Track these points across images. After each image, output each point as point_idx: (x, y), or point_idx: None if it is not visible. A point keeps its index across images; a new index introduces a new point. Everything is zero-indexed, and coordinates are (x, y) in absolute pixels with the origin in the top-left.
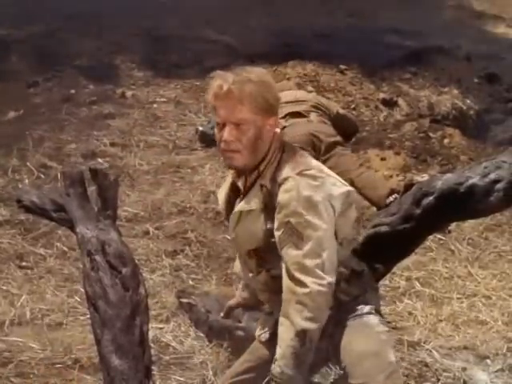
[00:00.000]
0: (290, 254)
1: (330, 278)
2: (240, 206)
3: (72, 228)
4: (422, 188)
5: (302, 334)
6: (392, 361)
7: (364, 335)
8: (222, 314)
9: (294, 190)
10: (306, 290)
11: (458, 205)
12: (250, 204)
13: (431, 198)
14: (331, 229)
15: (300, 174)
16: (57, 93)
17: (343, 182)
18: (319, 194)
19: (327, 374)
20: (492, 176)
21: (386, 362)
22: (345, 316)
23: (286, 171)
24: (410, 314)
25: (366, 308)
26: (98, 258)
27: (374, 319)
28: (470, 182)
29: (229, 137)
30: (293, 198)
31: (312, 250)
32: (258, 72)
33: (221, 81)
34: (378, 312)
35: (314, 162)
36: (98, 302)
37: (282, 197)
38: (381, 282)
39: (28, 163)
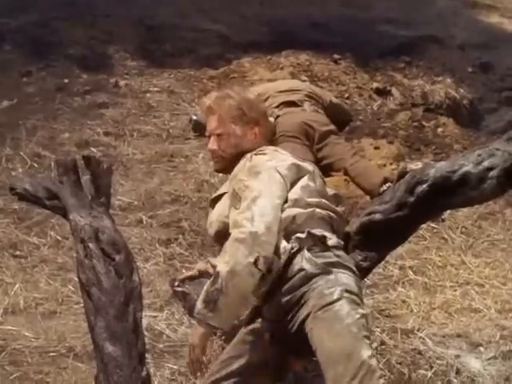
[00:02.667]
0: (230, 215)
1: (254, 229)
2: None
3: (65, 216)
4: (415, 176)
5: (216, 275)
6: (365, 359)
7: (335, 333)
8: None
9: (242, 164)
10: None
11: (451, 192)
12: (220, 190)
13: (425, 185)
14: (274, 191)
15: (254, 154)
16: (50, 82)
17: (299, 159)
18: (264, 164)
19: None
20: (485, 163)
21: (358, 363)
22: (307, 291)
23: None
24: (404, 302)
25: (336, 292)
26: (91, 245)
27: (344, 307)
28: (464, 169)
29: (212, 146)
30: (239, 169)
31: (244, 206)
32: (238, 89)
33: (206, 98)
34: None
35: (275, 149)
36: (92, 289)
37: (233, 172)
38: (374, 270)
39: (21, 152)
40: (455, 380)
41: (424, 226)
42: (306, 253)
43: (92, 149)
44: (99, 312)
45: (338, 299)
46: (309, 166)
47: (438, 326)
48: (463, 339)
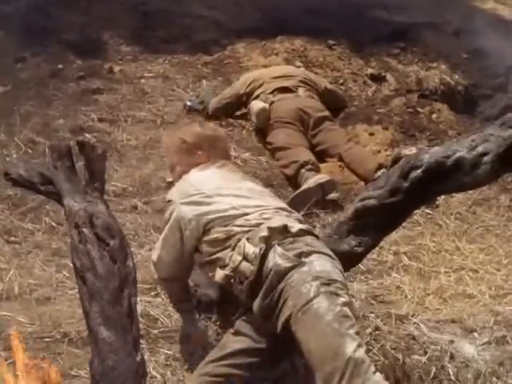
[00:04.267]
0: None
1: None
2: None
3: (59, 201)
4: (409, 161)
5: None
6: (350, 356)
7: (317, 334)
8: None
9: None
10: None
11: (445, 178)
12: None
13: (419, 171)
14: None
15: None
16: (44, 68)
17: None
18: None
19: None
20: (479, 149)
21: (344, 361)
22: (285, 288)
23: None
24: (398, 287)
25: (312, 289)
26: (85, 230)
27: (322, 304)
28: (458, 155)
29: (168, 177)
30: None
31: None
32: (174, 127)
33: None
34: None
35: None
36: (86, 274)
37: None
38: (369, 256)
39: (16, 138)
40: (449, 365)
41: (418, 211)
42: (277, 248)
43: (86, 135)
44: (94, 297)
45: (315, 296)
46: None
47: (432, 312)
48: (457, 325)
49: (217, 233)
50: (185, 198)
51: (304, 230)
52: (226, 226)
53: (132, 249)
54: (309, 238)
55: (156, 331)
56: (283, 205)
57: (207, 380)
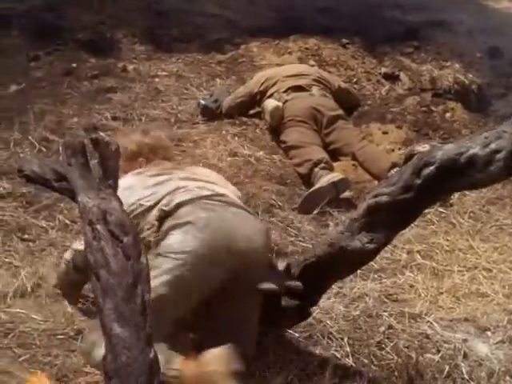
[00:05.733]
0: None
1: None
2: None
3: (73, 198)
4: (422, 158)
5: None
6: None
7: None
8: None
9: None
10: None
11: (458, 175)
12: None
13: (432, 168)
14: None
15: None
16: (58, 67)
17: None
18: None
19: None
20: (493, 146)
21: None
22: None
23: None
24: (412, 286)
25: None
26: (99, 227)
27: None
28: (471, 152)
29: None
30: None
31: None
32: (119, 133)
33: None
34: None
35: None
36: (100, 271)
37: None
38: (382, 255)
39: (30, 137)
40: (462, 364)
41: (432, 210)
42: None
43: (100, 133)
44: (107, 294)
45: None
46: None
47: (445, 311)
48: (471, 323)
49: None
50: None
51: None
52: None
53: None
54: None
55: None
56: None
57: None
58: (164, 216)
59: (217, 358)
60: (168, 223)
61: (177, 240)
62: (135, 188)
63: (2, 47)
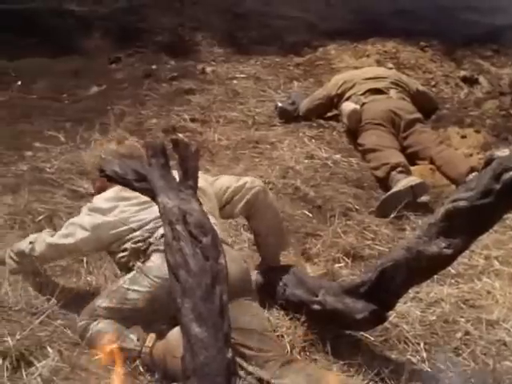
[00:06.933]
0: None
1: None
2: None
3: (153, 198)
4: (502, 163)
5: None
6: None
7: None
8: None
9: None
10: None
11: None
12: None
13: (511, 173)
14: None
15: None
16: (138, 68)
17: None
18: None
19: None
20: None
21: None
22: None
23: None
24: (489, 292)
25: None
26: (178, 227)
27: None
28: None
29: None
30: None
31: None
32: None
33: None
34: None
35: None
36: (179, 271)
37: None
38: (459, 260)
39: (109, 137)
40: None
41: (510, 215)
42: None
43: (179, 134)
44: (186, 294)
45: None
46: None
47: None
48: None
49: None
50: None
51: None
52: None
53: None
54: None
55: None
56: None
57: None
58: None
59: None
60: (151, 248)
61: (156, 265)
62: (119, 201)
63: (83, 49)
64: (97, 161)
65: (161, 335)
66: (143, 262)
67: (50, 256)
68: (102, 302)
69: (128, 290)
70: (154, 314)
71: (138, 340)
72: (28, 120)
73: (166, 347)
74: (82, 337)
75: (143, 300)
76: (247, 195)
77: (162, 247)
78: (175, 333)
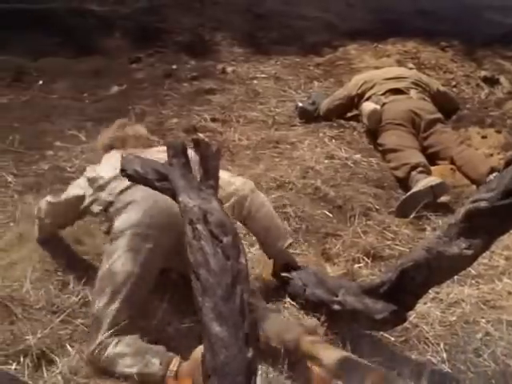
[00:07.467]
0: None
1: None
2: None
3: (174, 197)
4: None
5: None
6: None
7: None
8: None
9: None
10: None
11: None
12: None
13: None
14: None
15: None
16: (159, 68)
17: None
18: None
19: None
20: None
21: None
22: None
23: None
24: (510, 293)
25: None
26: (199, 226)
27: None
28: None
29: None
30: None
31: None
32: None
33: None
34: None
35: None
36: (200, 270)
37: None
38: (480, 260)
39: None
40: None
41: None
42: None
43: (199, 134)
44: (207, 293)
45: None
46: None
47: None
48: None
49: None
50: None
51: None
52: None
53: None
54: None
55: None
56: None
57: None
58: (108, 204)
59: None
60: (112, 210)
61: (122, 220)
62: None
63: (104, 49)
64: None
65: (184, 358)
66: (108, 231)
67: (48, 213)
68: (98, 302)
69: (109, 265)
70: (149, 281)
71: (160, 364)
72: (49, 119)
73: (192, 367)
74: (95, 361)
75: (132, 262)
76: (235, 200)
77: (121, 204)
78: (199, 351)
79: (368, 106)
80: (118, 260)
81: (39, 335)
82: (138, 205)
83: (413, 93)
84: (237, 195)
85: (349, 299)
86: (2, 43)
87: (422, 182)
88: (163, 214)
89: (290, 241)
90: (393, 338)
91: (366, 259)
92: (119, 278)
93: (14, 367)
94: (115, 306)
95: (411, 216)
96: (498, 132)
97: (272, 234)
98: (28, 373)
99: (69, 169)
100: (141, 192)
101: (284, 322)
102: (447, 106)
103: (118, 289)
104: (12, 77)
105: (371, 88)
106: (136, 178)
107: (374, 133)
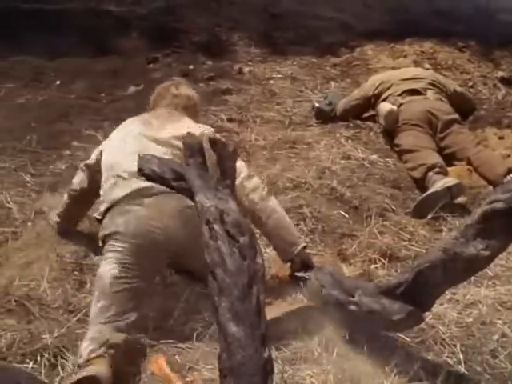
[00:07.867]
0: None
1: None
2: None
3: (191, 197)
4: None
5: None
6: None
7: None
8: None
9: None
10: None
11: None
12: None
13: None
14: None
15: None
16: (175, 68)
17: None
18: None
19: None
20: None
21: None
22: None
23: None
24: None
25: None
26: (216, 226)
27: None
28: None
29: None
30: None
31: None
32: None
33: None
34: None
35: None
36: (217, 270)
37: None
38: (496, 261)
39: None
40: None
41: None
42: None
43: (216, 134)
44: (223, 293)
45: None
46: None
47: None
48: None
49: None
50: None
51: None
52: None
53: None
54: None
55: None
56: None
57: None
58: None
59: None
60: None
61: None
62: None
63: (121, 49)
64: None
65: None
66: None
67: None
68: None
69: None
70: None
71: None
72: (66, 119)
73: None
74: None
75: (113, 258)
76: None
77: (107, 231)
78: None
79: (385, 107)
80: (103, 261)
81: (56, 334)
82: (123, 242)
83: (430, 93)
84: (247, 200)
85: (365, 300)
86: (20, 43)
87: (438, 183)
88: (148, 248)
89: (303, 244)
90: (409, 339)
91: (383, 260)
92: (102, 280)
93: (31, 366)
94: (100, 304)
95: (428, 217)
96: None
97: (284, 240)
98: (45, 371)
99: None
100: (120, 219)
101: None
102: (464, 107)
103: (103, 289)
104: (30, 77)
105: (388, 88)
106: (153, 178)
107: (390, 133)
